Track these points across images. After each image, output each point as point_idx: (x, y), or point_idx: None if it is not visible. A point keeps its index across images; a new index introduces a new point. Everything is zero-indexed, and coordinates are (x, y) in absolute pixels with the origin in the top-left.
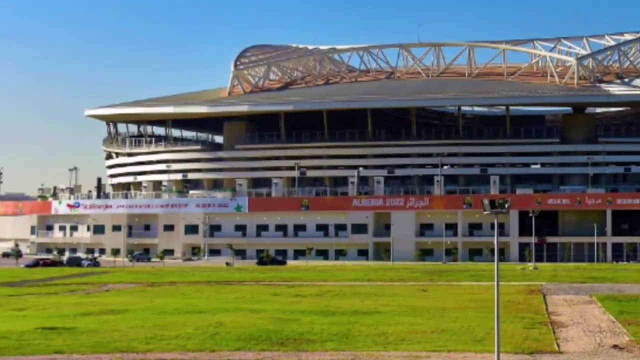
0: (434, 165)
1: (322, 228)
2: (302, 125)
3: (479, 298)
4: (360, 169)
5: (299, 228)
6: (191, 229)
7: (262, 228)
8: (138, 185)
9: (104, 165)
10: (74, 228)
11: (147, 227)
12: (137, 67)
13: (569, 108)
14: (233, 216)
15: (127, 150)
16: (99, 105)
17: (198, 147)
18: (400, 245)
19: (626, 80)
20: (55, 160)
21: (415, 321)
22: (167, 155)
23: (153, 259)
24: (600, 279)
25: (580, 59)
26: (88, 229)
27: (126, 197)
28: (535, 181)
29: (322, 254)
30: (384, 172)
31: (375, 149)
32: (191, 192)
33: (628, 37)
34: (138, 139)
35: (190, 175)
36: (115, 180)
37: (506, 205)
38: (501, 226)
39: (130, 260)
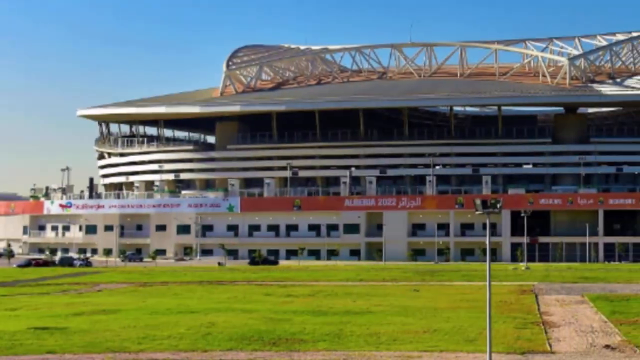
0: (426, 165)
1: (314, 228)
2: (294, 126)
3: (471, 298)
4: (353, 169)
5: (291, 228)
6: (183, 229)
7: (254, 228)
8: (130, 186)
9: (96, 166)
10: (66, 228)
11: (139, 227)
12: (130, 67)
13: (561, 108)
14: (225, 216)
15: (120, 150)
16: (91, 105)
17: (190, 147)
18: (393, 245)
19: (618, 80)
20: (47, 160)
21: (407, 321)
22: (160, 156)
23: (145, 259)
24: (592, 279)
25: (572, 59)
26: (80, 229)
27: (118, 197)
28: (527, 181)
29: (314, 254)
30: (376, 172)
31: (368, 149)
32: (183, 192)
33: (620, 37)
34: (130, 139)
35: (183, 176)
36: (108, 181)
37: (498, 206)
38: (493, 226)
39: (123, 260)
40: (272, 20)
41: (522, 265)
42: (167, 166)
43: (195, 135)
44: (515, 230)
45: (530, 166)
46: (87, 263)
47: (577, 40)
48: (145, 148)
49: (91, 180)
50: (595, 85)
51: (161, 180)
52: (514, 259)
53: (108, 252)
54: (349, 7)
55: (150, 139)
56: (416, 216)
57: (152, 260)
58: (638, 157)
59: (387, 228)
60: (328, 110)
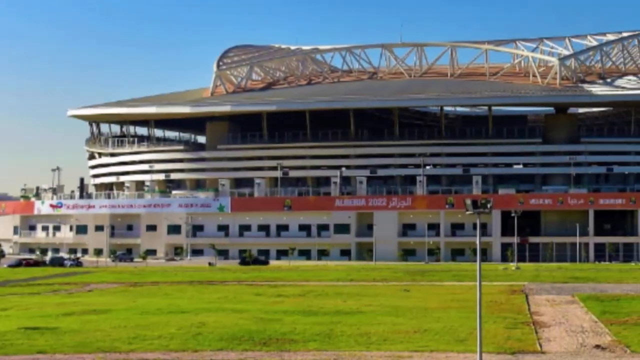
0: (417, 166)
1: (305, 228)
2: (285, 126)
3: (462, 298)
4: (343, 169)
5: (282, 228)
6: (174, 229)
7: (244, 228)
8: (121, 186)
9: (87, 166)
10: (56, 228)
11: (129, 227)
12: (120, 67)
13: (552, 108)
14: (215, 216)
15: (110, 150)
16: (81, 105)
17: (181, 147)
18: (383, 245)
19: (608, 80)
20: (38, 161)
21: (397, 321)
22: (150, 156)
23: (136, 259)
24: (583, 279)
25: (562, 59)
26: (71, 229)
27: (109, 197)
28: (518, 181)
29: (305, 254)
30: (367, 172)
31: (358, 149)
32: (174, 192)
33: (610, 37)
34: (121, 139)
35: (173, 176)
36: (98, 181)
37: (488, 206)
38: (483, 226)
39: (113, 261)
40: (263, 21)
41: (513, 265)
42: (157, 166)
43: (185, 136)
44: (506, 230)
45: (521, 166)
46: (77, 263)
47: (567, 40)
48: (135, 148)
49: (82, 180)
50: (585, 86)
51: (152, 180)
52: (505, 259)
53: (99, 252)
54: (339, 7)
55: (141, 139)
56: (407, 216)
57: (143, 260)
58: (628, 157)
59: (378, 228)
60: (318, 111)
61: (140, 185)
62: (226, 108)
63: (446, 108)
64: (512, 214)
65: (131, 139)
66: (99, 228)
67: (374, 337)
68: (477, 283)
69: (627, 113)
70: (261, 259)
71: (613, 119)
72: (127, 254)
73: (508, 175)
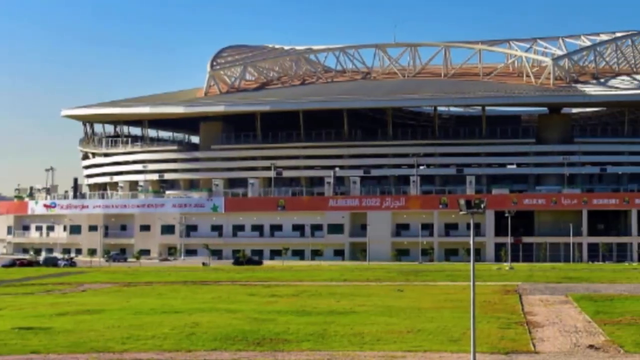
0: (410, 166)
1: (298, 228)
2: (278, 126)
3: (455, 298)
4: (337, 169)
5: (275, 228)
6: (167, 229)
7: (238, 228)
8: (114, 186)
9: (81, 166)
10: (50, 228)
11: (123, 227)
12: (114, 67)
13: (545, 108)
14: (209, 216)
15: (104, 150)
16: (75, 105)
17: (174, 147)
18: (377, 246)
19: (602, 80)
20: (31, 161)
21: (391, 321)
22: (144, 156)
23: (129, 259)
24: (576, 279)
25: (556, 59)
26: (64, 229)
27: (102, 197)
28: (511, 181)
29: (298, 254)
30: (360, 172)
31: (352, 149)
32: (167, 192)
33: (604, 37)
34: (114, 139)
35: (167, 176)
36: (92, 181)
37: (482, 206)
38: (477, 226)
39: (107, 261)
40: (256, 21)
41: (506, 265)
42: (151, 166)
43: (179, 136)
44: (499, 230)
45: (514, 166)
46: (71, 263)
47: (561, 40)
48: (129, 148)
49: (75, 180)
50: (579, 86)
51: (145, 181)
52: (498, 259)
53: (92, 252)
54: (333, 8)
55: (135, 139)
56: (400, 216)
57: (136, 260)
58: (622, 157)
59: (371, 228)
60: (312, 111)
61: (134, 185)
62: (220, 108)
63: (440, 108)
64: (506, 214)
65: (125, 139)
66: (93, 228)
67: (368, 337)
68: (471, 283)
69: (620, 113)
70: (255, 259)
71: (606, 119)
72: (121, 254)
73: (502, 176)
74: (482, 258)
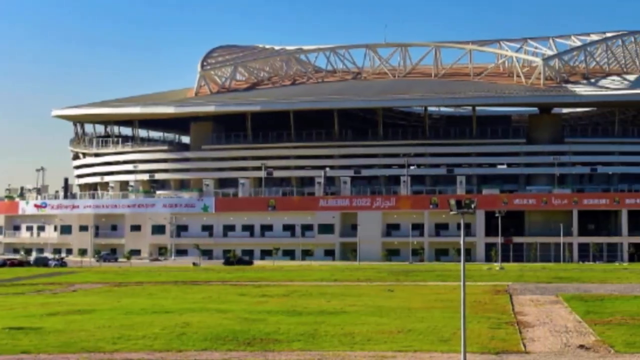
0: (401, 166)
1: (289, 228)
2: (269, 126)
3: (446, 298)
4: (327, 169)
5: (266, 228)
6: (158, 229)
7: (228, 228)
8: (105, 186)
9: (71, 166)
10: (41, 228)
11: (114, 227)
12: (104, 67)
13: (535, 108)
14: (200, 216)
15: (94, 150)
16: (66, 105)
17: (165, 147)
18: (367, 246)
19: (592, 80)
20: (22, 161)
21: (381, 321)
22: (134, 156)
23: (120, 259)
24: (567, 279)
25: (546, 59)
26: (55, 229)
27: (93, 197)
28: (502, 181)
29: (289, 254)
30: (351, 173)
31: (342, 149)
32: (158, 192)
33: (594, 37)
34: (105, 139)
35: (157, 176)
36: (82, 181)
37: (472, 206)
38: (467, 226)
39: (97, 261)
40: (247, 21)
41: (497, 265)
42: (141, 166)
43: (170, 136)
44: (490, 230)
45: (505, 166)
46: (62, 263)
47: (551, 40)
48: (120, 148)
49: (66, 180)
50: (569, 86)
51: (136, 181)
52: (488, 259)
53: (83, 252)
54: (323, 8)
55: (125, 139)
56: (390, 216)
57: (127, 260)
58: (612, 158)
59: (362, 228)
60: (302, 111)
61: (124, 185)
62: (210, 108)
63: (430, 108)
64: (496, 214)
65: (115, 139)
66: (83, 228)
67: (358, 337)
68: (461, 283)
69: (611, 113)
70: (245, 259)
71: (597, 119)
72: (112, 254)
73: (492, 176)
74: (473, 258)
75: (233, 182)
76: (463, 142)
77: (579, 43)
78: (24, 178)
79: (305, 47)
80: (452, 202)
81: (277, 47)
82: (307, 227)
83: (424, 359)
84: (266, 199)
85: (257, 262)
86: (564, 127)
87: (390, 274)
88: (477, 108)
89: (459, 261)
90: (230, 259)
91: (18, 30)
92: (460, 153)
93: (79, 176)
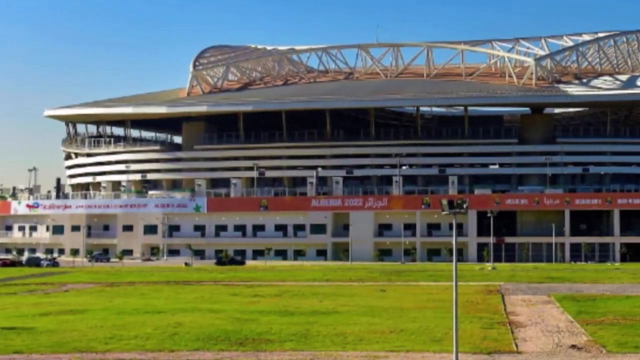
0: (393, 166)
1: (281, 228)
2: (261, 126)
3: (438, 298)
4: (319, 169)
5: (258, 228)
6: (150, 229)
7: (220, 228)
8: (97, 186)
9: (63, 166)
10: (33, 228)
11: (106, 228)
12: (97, 67)
13: (527, 108)
14: (192, 216)
15: (86, 150)
16: (58, 105)
17: (157, 147)
18: (359, 246)
19: (584, 80)
20: (14, 161)
21: (373, 321)
22: (126, 156)
23: (112, 259)
24: (559, 279)
25: (538, 59)
26: (47, 229)
27: (85, 197)
28: (494, 181)
29: (281, 254)
30: (343, 173)
31: (334, 150)
32: (150, 192)
33: (586, 37)
34: (97, 139)
35: (149, 176)
36: (75, 181)
37: (464, 206)
38: (459, 226)
39: (90, 261)
40: (239, 21)
41: (489, 265)
42: (134, 166)
43: (162, 136)
44: (482, 230)
45: (497, 166)
46: (54, 263)
47: (543, 40)
48: (112, 148)
49: (58, 180)
50: (561, 86)
51: (128, 181)
52: (481, 259)
53: (75, 252)
54: (315, 8)
55: (117, 139)
56: (383, 216)
57: (119, 260)
58: (604, 158)
59: (354, 228)
60: (295, 111)
61: (116, 185)
62: (202, 108)
63: (422, 108)
64: (488, 214)
65: (107, 139)
66: (76, 228)
67: (350, 337)
68: (453, 283)
69: (603, 113)
70: (237, 259)
71: (589, 119)
72: (104, 254)
73: (484, 176)
74: (465, 258)
75: (225, 182)
76: (455, 142)
77: (571, 43)
78: (16, 178)
79: (298, 47)
80: (444, 202)
81: (269, 47)
82: (299, 227)
83: (416, 359)
84: (258, 199)
85: (249, 262)
86: (556, 127)
87: (382, 274)
88: (469, 108)
89: (451, 261)
90: (223, 259)
91: (10, 30)
92: (452, 153)
93: (71, 176)
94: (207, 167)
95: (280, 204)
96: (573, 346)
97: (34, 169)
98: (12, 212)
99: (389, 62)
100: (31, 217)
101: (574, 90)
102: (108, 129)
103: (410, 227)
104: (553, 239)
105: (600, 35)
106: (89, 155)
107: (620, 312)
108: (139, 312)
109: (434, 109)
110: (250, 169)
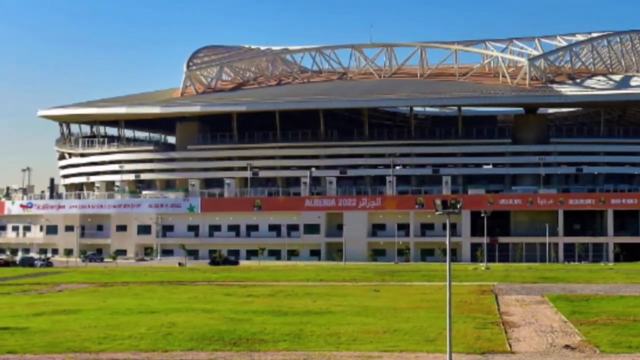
0: (386, 166)
1: (275, 228)
2: (255, 126)
3: (431, 298)
4: (313, 169)
5: (252, 228)
6: (144, 229)
7: (214, 228)
8: (91, 186)
9: (57, 166)
10: (26, 228)
11: (99, 228)
12: (90, 67)
13: (521, 109)
14: (185, 216)
15: (80, 150)
16: (52, 105)
17: (151, 147)
18: (353, 246)
19: (578, 80)
20: (8, 161)
21: (367, 321)
22: (120, 156)
23: (106, 259)
24: (552, 279)
25: (532, 59)
26: (41, 229)
27: (79, 197)
28: (487, 181)
29: (275, 254)
30: (336, 173)
31: (328, 150)
32: (144, 192)
33: (579, 37)
34: (91, 139)
35: (143, 176)
36: (68, 181)
37: (458, 206)
38: (453, 226)
39: (83, 261)
40: (233, 21)
41: (482, 265)
42: (127, 166)
43: (155, 136)
44: (475, 230)
45: (490, 166)
46: (47, 263)
47: (537, 40)
48: (105, 148)
49: (52, 180)
50: (555, 86)
51: (122, 181)
52: (474, 259)
53: (69, 252)
54: (309, 8)
55: (111, 139)
56: (376, 216)
57: (113, 260)
58: (598, 158)
59: (347, 228)
60: (288, 111)
61: (110, 185)
62: (196, 108)
63: (416, 108)
64: (482, 214)
65: (101, 139)
66: (69, 228)
67: (344, 337)
68: (447, 283)
69: (596, 113)
70: (231, 259)
71: (582, 119)
72: (97, 254)
73: (477, 176)
74: (458, 258)
75: (219, 182)
76: (448, 142)
77: (564, 43)
78: (9, 178)
79: (291, 48)
80: (438, 202)
81: (262, 48)
82: (292, 227)
83: (409, 359)
84: (252, 199)
85: (243, 262)
86: (549, 127)
87: (375, 274)
88: (463, 108)
89: (445, 261)
90: (216, 259)
91: (3, 30)
92: (445, 153)
93: (65, 176)
94: (201, 167)
95: (274, 204)
96: (566, 346)
97: (28, 169)
98: (6, 212)
99: (382, 62)
100: (25, 217)
101: (568, 90)
102: (102, 129)
103: (403, 227)
104: (547, 239)
105: (594, 35)
106: (82, 155)
107: (614, 312)
108: (132, 312)
109: (428, 109)
110: (244, 169)
